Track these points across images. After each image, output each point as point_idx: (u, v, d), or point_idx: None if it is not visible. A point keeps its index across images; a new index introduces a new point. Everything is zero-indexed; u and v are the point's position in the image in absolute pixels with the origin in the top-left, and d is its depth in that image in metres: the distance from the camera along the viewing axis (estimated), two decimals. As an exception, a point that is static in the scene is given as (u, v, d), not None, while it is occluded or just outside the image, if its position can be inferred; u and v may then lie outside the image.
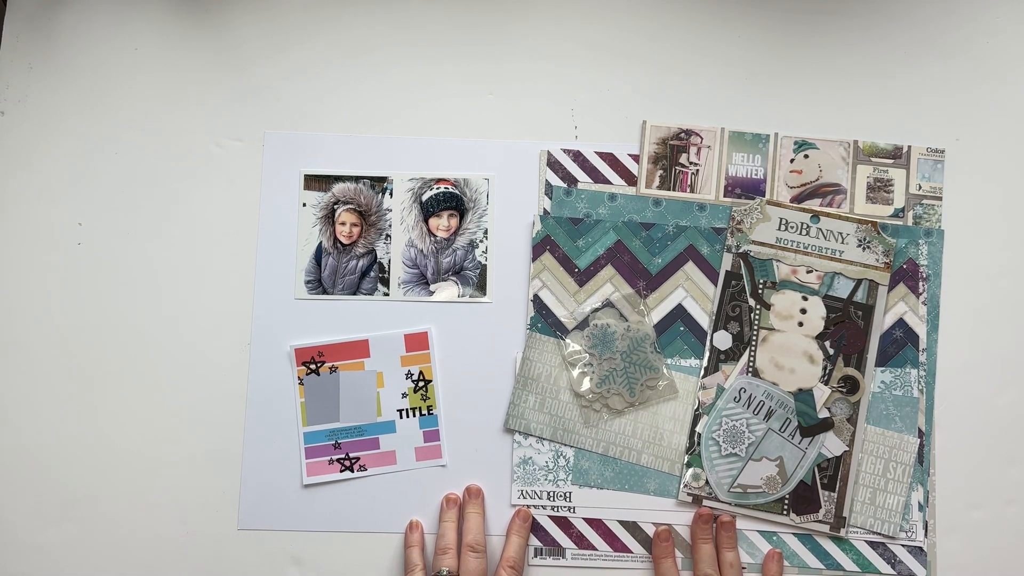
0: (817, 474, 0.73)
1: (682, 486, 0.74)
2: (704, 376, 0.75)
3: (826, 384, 0.74)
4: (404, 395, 0.76)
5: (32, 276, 0.78)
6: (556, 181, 0.78)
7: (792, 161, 0.78)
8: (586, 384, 0.75)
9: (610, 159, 0.78)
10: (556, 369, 0.76)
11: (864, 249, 0.75)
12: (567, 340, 0.76)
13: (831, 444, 0.74)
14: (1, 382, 0.77)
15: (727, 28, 0.80)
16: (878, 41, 0.80)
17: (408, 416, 0.76)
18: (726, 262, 0.76)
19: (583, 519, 0.74)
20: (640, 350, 0.75)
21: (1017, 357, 0.76)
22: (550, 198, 0.77)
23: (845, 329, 0.75)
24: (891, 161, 0.77)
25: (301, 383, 0.76)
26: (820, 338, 0.75)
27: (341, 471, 0.76)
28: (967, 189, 0.78)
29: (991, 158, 0.78)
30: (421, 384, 0.76)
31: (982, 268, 0.77)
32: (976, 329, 0.76)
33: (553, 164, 0.78)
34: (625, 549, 0.74)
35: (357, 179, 0.78)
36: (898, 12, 0.80)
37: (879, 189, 0.77)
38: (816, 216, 0.76)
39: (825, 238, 0.76)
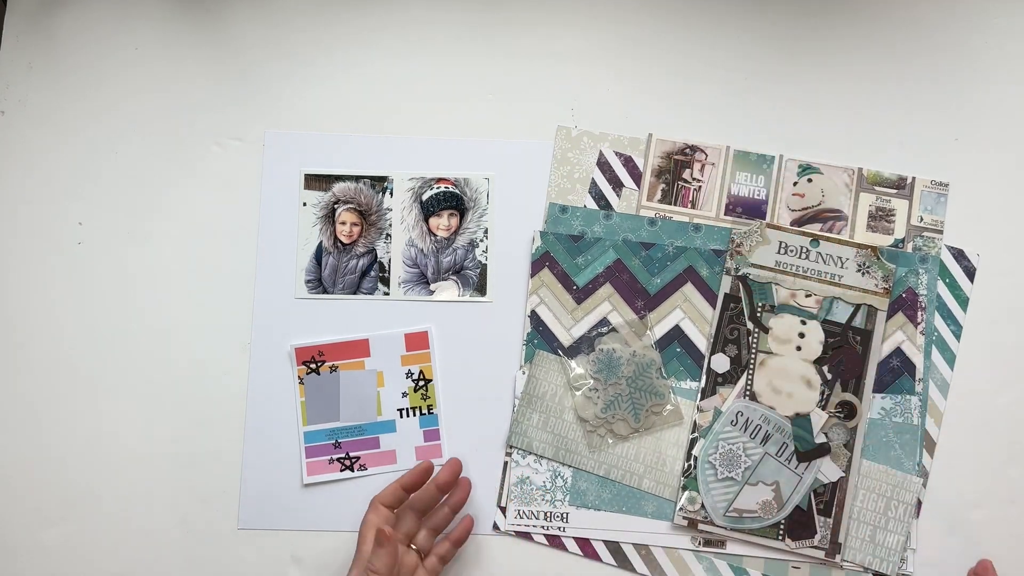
0: (813, 500, 0.72)
1: (678, 509, 0.73)
2: (701, 399, 0.74)
3: (823, 409, 0.73)
4: (404, 394, 0.76)
5: (32, 276, 0.78)
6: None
7: (795, 184, 0.77)
8: (591, 409, 0.74)
9: (626, 160, 0.78)
10: (561, 389, 0.75)
11: (863, 274, 0.74)
12: (572, 364, 0.75)
13: (827, 470, 0.73)
14: (1, 382, 0.77)
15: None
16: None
17: (408, 415, 0.76)
18: (725, 284, 0.76)
19: (574, 539, 0.74)
20: (646, 376, 0.75)
21: (1018, 357, 0.76)
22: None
23: (843, 354, 0.74)
24: (894, 191, 0.76)
25: (301, 382, 0.76)
26: (818, 363, 0.74)
27: (341, 470, 0.75)
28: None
29: (992, 182, 0.78)
30: (421, 383, 0.76)
31: (983, 280, 0.76)
32: (976, 328, 0.76)
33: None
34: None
35: (357, 179, 0.78)
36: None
37: (880, 218, 0.76)
38: (816, 240, 0.75)
39: (824, 262, 0.75)
